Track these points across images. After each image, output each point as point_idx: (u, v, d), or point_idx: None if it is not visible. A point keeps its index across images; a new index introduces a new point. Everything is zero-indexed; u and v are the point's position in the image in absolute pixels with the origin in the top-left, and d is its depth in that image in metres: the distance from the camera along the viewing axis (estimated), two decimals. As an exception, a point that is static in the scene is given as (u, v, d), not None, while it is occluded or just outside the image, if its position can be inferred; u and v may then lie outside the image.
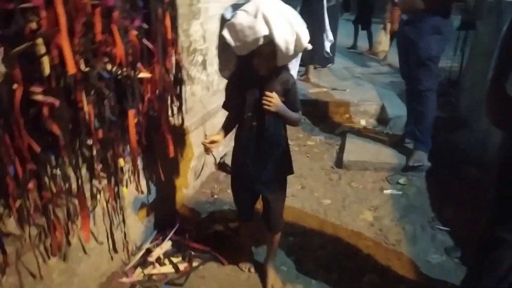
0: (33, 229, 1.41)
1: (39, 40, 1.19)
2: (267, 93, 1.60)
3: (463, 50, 4.23)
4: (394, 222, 2.41)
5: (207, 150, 1.73)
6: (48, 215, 1.43)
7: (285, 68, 1.68)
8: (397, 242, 2.23)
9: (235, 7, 1.58)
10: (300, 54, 1.69)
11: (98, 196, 1.68)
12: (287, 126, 1.77)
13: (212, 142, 1.72)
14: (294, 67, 1.76)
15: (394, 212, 2.51)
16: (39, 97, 1.23)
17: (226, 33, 1.54)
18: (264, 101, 1.60)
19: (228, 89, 1.81)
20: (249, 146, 1.73)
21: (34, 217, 1.39)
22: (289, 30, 1.50)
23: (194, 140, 2.56)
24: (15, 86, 1.17)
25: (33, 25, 1.17)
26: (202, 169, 2.77)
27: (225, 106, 1.85)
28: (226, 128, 1.82)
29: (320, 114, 4.03)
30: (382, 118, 3.89)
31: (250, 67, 1.62)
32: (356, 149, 3.22)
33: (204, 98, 2.78)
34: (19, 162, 1.24)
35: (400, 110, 3.74)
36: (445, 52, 2.95)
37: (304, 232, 2.31)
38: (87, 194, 1.58)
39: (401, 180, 2.85)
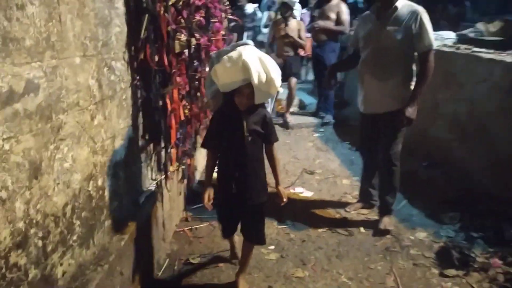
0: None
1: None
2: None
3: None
4: (323, 143, 4.82)
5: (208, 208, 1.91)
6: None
7: (262, 106, 1.90)
8: (326, 150, 4.61)
9: (223, 52, 1.86)
10: (275, 95, 2.30)
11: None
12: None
13: (209, 198, 1.92)
14: (269, 105, 2.44)
15: (322, 141, 4.93)
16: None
17: (213, 74, 1.83)
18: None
19: (212, 125, 1.97)
20: (234, 173, 1.90)
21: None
22: (265, 76, 1.72)
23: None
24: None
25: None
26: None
27: (205, 144, 1.97)
28: (210, 172, 1.98)
29: (264, 106, 6.35)
30: (301, 105, 6.42)
31: (233, 103, 1.84)
32: (294, 119, 5.62)
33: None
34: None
35: (309, 100, 6.37)
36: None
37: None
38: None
39: (321, 130, 5.34)
